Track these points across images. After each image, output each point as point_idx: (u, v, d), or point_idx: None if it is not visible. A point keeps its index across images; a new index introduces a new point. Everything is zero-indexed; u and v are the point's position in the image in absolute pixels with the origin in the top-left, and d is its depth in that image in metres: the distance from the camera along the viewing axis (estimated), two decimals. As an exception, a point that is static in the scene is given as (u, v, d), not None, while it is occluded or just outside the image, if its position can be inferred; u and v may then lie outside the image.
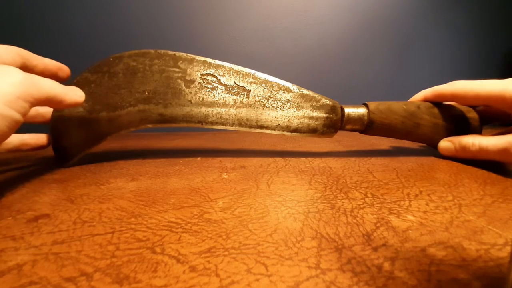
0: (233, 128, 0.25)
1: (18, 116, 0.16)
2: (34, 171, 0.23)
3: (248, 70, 0.25)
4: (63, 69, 0.23)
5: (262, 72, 0.26)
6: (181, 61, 0.25)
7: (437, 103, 0.27)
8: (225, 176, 0.21)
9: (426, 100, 0.27)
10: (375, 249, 0.11)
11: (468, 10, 0.69)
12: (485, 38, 0.71)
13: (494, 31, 0.71)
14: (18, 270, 0.10)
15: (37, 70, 0.21)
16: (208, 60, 0.25)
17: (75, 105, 0.20)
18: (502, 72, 0.72)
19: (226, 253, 0.11)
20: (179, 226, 0.13)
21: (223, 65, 0.25)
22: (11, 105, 0.15)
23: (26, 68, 0.20)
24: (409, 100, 0.28)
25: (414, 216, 0.14)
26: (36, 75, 0.17)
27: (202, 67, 0.25)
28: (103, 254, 0.11)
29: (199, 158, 0.28)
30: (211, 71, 0.25)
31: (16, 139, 0.23)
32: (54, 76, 0.23)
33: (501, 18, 0.71)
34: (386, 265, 0.10)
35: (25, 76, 0.16)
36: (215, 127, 0.25)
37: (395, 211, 0.15)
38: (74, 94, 0.20)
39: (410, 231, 0.12)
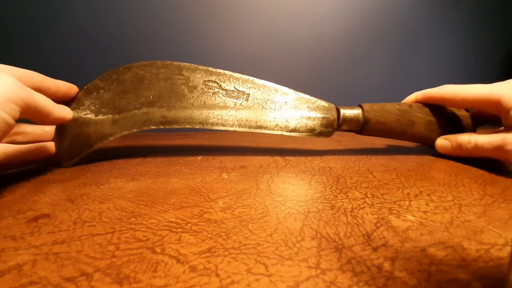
0: (233, 128, 0.26)
1: (7, 117, 0.16)
2: (34, 171, 0.23)
3: (247, 77, 0.27)
4: (74, 88, 0.25)
5: (262, 71, 0.26)
6: (185, 70, 0.26)
7: (427, 104, 0.28)
8: (225, 176, 0.21)
9: (417, 102, 0.28)
10: (375, 249, 0.11)
11: (468, 10, 0.69)
12: (486, 38, 0.71)
13: (494, 31, 0.71)
14: (18, 270, 0.10)
15: (50, 91, 0.22)
16: (210, 68, 0.27)
17: (63, 121, 0.22)
18: (502, 72, 0.72)
19: (226, 253, 0.11)
20: (179, 226, 0.13)
21: (223, 73, 0.27)
22: (1, 106, 0.16)
23: (39, 90, 0.21)
24: (401, 102, 0.29)
25: (414, 216, 0.14)
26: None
27: (204, 75, 0.26)
28: (103, 254, 0.11)
29: (199, 158, 0.28)
30: (213, 78, 0.26)
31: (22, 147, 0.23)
32: (66, 95, 0.24)
33: (501, 18, 0.71)
34: (386, 265, 0.10)
35: (16, 81, 0.17)
36: (215, 127, 0.26)
37: (395, 211, 0.15)
38: (62, 110, 0.22)
39: (410, 231, 0.12)
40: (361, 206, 0.15)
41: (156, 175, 0.22)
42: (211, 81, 0.26)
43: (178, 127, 0.26)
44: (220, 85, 0.26)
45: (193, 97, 0.26)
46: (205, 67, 0.26)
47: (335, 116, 0.27)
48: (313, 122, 0.27)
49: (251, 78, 0.27)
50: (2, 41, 0.55)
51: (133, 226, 0.13)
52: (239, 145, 0.36)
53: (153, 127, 0.26)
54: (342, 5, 0.64)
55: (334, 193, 0.17)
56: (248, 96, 0.26)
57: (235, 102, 0.26)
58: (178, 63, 0.26)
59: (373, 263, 0.10)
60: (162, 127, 0.26)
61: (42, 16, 0.56)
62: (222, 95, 0.26)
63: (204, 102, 0.26)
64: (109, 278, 0.09)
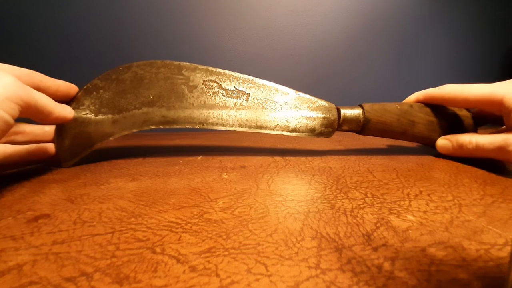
0: (233, 128, 0.26)
1: (7, 116, 0.16)
2: (34, 171, 0.23)
3: (247, 76, 0.27)
4: (74, 88, 0.25)
5: (262, 71, 0.26)
6: (185, 69, 0.26)
7: (428, 104, 0.28)
8: (225, 176, 0.21)
9: (418, 102, 0.28)
10: (375, 249, 0.11)
11: (468, 10, 0.69)
12: (486, 37, 0.71)
13: (494, 30, 0.71)
14: (18, 270, 0.10)
15: (50, 90, 0.22)
16: (210, 68, 0.26)
17: (64, 120, 0.22)
18: (502, 72, 0.72)
19: (226, 253, 0.11)
20: (179, 226, 0.13)
21: (223, 72, 0.27)
22: (0, 105, 0.16)
23: (39, 89, 0.21)
24: (402, 102, 0.29)
25: (414, 216, 0.14)
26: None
27: (204, 74, 0.26)
28: (103, 254, 0.11)
29: (199, 158, 0.28)
30: (213, 77, 0.26)
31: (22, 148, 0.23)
32: (66, 95, 0.24)
33: (501, 18, 0.71)
34: (386, 265, 0.10)
35: (16, 80, 0.17)
36: (215, 127, 0.26)
37: (395, 211, 0.15)
38: (63, 109, 0.22)
39: (410, 231, 0.12)
40: (361, 206, 0.15)
41: (156, 175, 0.22)
42: (211, 80, 0.26)
43: (178, 127, 0.26)
44: (220, 84, 0.26)
45: (193, 96, 0.26)
46: (205, 67, 0.26)
47: (336, 116, 0.27)
48: (314, 122, 0.27)
49: (251, 77, 0.27)
50: (2, 41, 0.55)
51: (133, 226, 0.13)
52: (239, 145, 0.36)
53: (153, 127, 0.26)
54: (342, 5, 0.64)
55: (334, 193, 0.17)
56: (248, 96, 0.26)
57: (235, 102, 0.26)
58: (178, 62, 0.26)
59: (373, 263, 0.10)
60: (162, 127, 0.26)
61: (42, 16, 0.56)
62: (222, 95, 0.26)
63: (204, 102, 0.26)
64: (109, 278, 0.09)
